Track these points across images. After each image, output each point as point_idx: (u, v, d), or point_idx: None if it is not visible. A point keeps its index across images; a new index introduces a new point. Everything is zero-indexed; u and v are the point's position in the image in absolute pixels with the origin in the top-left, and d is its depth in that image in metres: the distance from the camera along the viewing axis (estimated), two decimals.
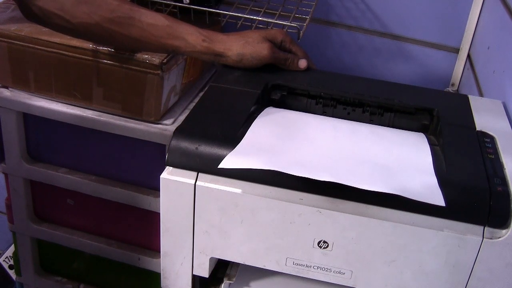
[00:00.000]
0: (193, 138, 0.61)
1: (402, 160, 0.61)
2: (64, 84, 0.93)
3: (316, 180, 0.55)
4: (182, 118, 0.93)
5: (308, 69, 0.79)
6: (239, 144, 0.60)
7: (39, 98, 0.96)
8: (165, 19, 0.68)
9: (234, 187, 0.59)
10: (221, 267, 0.70)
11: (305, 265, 0.61)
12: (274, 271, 0.63)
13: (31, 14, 0.68)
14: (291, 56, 0.77)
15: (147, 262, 1.05)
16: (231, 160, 0.57)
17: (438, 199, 0.54)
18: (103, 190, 1.01)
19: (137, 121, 0.92)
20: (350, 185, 0.54)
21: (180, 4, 0.92)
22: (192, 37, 0.68)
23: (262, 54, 0.73)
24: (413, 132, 0.70)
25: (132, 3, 0.68)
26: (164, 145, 0.92)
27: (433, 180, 0.57)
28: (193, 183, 0.60)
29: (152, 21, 0.65)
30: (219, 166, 0.57)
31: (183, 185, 0.61)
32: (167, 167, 0.62)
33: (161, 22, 0.66)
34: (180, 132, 0.62)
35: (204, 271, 0.65)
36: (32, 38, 0.91)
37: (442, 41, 1.12)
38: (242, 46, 0.72)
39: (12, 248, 1.24)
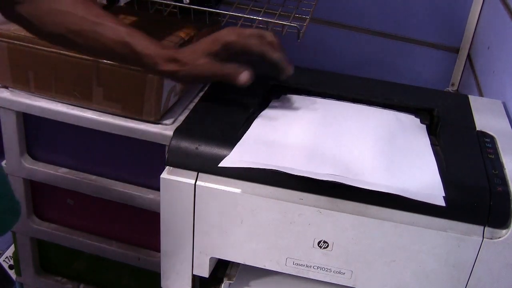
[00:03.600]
0: (193, 138, 0.61)
1: (404, 158, 0.61)
2: (64, 84, 0.93)
3: (317, 179, 0.55)
4: (182, 118, 0.93)
5: (307, 69, 0.79)
6: (238, 143, 0.60)
7: (39, 98, 0.96)
8: (125, 34, 0.64)
9: (234, 187, 0.59)
10: (221, 267, 0.70)
11: (305, 265, 0.61)
12: (274, 271, 0.63)
13: (11, 17, 0.68)
14: (232, 69, 0.65)
15: (147, 262, 1.05)
16: (232, 160, 0.57)
17: (438, 199, 0.54)
18: (103, 190, 1.01)
19: (137, 121, 0.92)
20: (351, 185, 0.54)
21: (180, 4, 0.92)
22: (145, 59, 0.65)
23: (202, 75, 0.66)
24: (413, 119, 0.70)
25: (98, 14, 0.65)
26: (164, 145, 0.92)
27: (437, 180, 0.57)
28: (193, 183, 0.60)
29: (114, 36, 0.64)
30: (220, 165, 0.57)
31: (183, 185, 0.61)
32: (167, 167, 0.62)
33: (120, 38, 0.64)
34: (180, 132, 0.62)
35: (204, 271, 0.65)
36: (32, 38, 0.91)
37: (442, 41, 1.12)
38: (185, 64, 0.65)
39: (12, 248, 1.24)
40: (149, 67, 0.66)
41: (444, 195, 0.54)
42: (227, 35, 0.65)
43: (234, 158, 0.58)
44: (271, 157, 0.58)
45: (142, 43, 0.65)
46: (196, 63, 0.64)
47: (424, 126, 0.69)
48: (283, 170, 0.55)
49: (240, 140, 0.61)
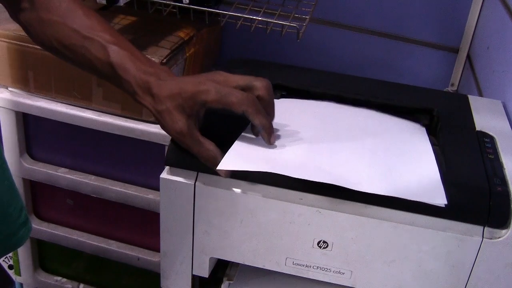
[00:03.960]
0: None
1: (402, 158, 0.61)
2: (64, 84, 0.93)
3: (315, 181, 0.54)
4: None
5: (307, 69, 0.79)
6: (233, 145, 0.59)
7: (38, 98, 0.96)
8: (112, 53, 0.60)
9: (234, 187, 0.59)
10: (221, 267, 0.70)
11: (304, 265, 0.61)
12: (274, 271, 0.63)
13: (17, 23, 0.68)
14: (212, 155, 0.58)
15: (147, 262, 1.05)
16: (229, 161, 0.57)
17: (439, 199, 0.54)
18: (103, 190, 1.01)
19: (137, 121, 0.92)
20: (349, 187, 0.54)
21: (180, 4, 0.92)
22: (125, 84, 0.61)
23: (173, 131, 0.59)
24: (412, 123, 0.70)
25: (92, 27, 0.62)
26: (164, 145, 0.92)
27: (436, 180, 0.57)
28: (193, 183, 0.60)
29: (100, 54, 0.61)
30: (218, 168, 0.56)
31: (183, 185, 0.61)
32: (167, 167, 0.62)
33: (105, 57, 0.60)
34: None
35: (203, 271, 0.65)
36: None
37: (442, 41, 1.12)
38: (161, 113, 0.59)
39: None
40: (130, 95, 0.61)
41: (446, 202, 0.54)
42: (206, 93, 0.56)
43: (232, 160, 0.57)
44: (269, 159, 0.58)
45: (125, 66, 0.59)
46: (173, 125, 0.57)
47: (424, 129, 0.69)
48: (281, 173, 0.55)
49: (235, 142, 0.60)
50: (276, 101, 0.73)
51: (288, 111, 0.70)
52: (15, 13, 0.65)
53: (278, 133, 0.63)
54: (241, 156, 0.58)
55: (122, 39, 0.62)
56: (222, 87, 0.57)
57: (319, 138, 0.63)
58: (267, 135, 0.59)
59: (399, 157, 0.61)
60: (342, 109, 0.72)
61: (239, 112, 0.57)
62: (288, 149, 0.60)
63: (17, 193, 0.71)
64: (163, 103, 0.58)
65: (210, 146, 0.58)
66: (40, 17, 0.62)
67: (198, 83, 0.57)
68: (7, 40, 0.92)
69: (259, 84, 0.58)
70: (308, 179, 0.55)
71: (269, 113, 0.59)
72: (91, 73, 0.64)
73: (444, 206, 0.54)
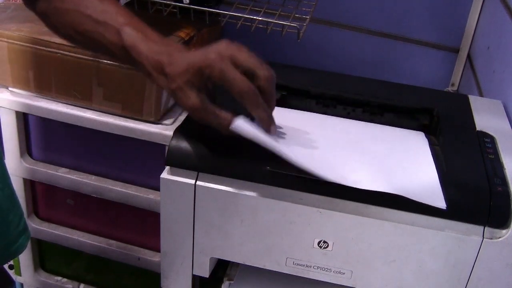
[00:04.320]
0: (193, 138, 0.61)
1: (403, 160, 0.61)
2: (64, 84, 0.93)
3: (317, 179, 0.54)
4: (182, 118, 0.93)
5: (307, 69, 0.78)
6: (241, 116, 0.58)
7: (39, 98, 0.96)
8: (126, 37, 0.60)
9: (234, 187, 0.59)
10: (221, 267, 0.70)
11: (305, 265, 0.61)
12: (274, 271, 0.63)
13: (34, 13, 0.68)
14: (221, 117, 0.58)
15: (147, 262, 1.05)
16: (242, 125, 0.56)
17: (439, 202, 0.54)
18: (103, 190, 1.01)
19: (137, 121, 0.92)
20: (350, 185, 0.54)
21: (180, 4, 0.92)
22: (140, 66, 0.61)
23: (187, 107, 0.59)
24: (412, 130, 0.70)
25: (105, 11, 0.62)
26: (164, 145, 0.92)
27: (435, 181, 0.57)
28: (193, 183, 0.60)
29: (114, 39, 0.60)
30: (230, 127, 0.56)
31: (183, 185, 0.61)
32: (167, 167, 0.62)
33: (119, 41, 0.60)
34: (180, 132, 0.62)
35: (204, 271, 0.65)
36: (32, 38, 0.91)
37: (442, 41, 1.12)
38: (175, 91, 0.60)
39: None
40: (146, 76, 0.61)
41: (445, 207, 0.54)
42: (210, 68, 0.56)
43: (244, 124, 0.56)
44: (275, 139, 0.58)
45: (138, 49, 0.60)
46: (187, 101, 0.57)
47: (423, 135, 0.69)
48: (286, 156, 0.54)
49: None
50: (279, 110, 0.73)
51: (290, 119, 0.70)
52: (30, 2, 0.65)
53: (281, 133, 0.63)
54: (252, 125, 0.57)
55: (136, 19, 0.62)
56: (227, 67, 0.56)
57: (320, 142, 0.63)
58: (266, 126, 0.59)
59: (399, 162, 0.61)
60: (341, 121, 0.71)
61: (238, 99, 0.57)
62: (292, 142, 0.60)
63: (17, 200, 0.71)
64: (175, 81, 0.58)
65: (227, 115, 0.58)
66: (55, 7, 0.63)
67: (204, 56, 0.57)
68: (8, 40, 0.92)
69: (262, 74, 0.58)
70: (309, 171, 0.54)
71: (269, 104, 0.59)
72: (108, 57, 0.65)
73: (445, 208, 0.54)
